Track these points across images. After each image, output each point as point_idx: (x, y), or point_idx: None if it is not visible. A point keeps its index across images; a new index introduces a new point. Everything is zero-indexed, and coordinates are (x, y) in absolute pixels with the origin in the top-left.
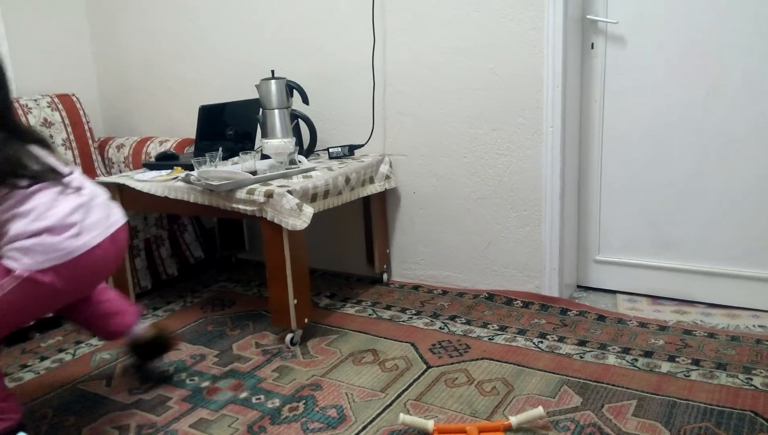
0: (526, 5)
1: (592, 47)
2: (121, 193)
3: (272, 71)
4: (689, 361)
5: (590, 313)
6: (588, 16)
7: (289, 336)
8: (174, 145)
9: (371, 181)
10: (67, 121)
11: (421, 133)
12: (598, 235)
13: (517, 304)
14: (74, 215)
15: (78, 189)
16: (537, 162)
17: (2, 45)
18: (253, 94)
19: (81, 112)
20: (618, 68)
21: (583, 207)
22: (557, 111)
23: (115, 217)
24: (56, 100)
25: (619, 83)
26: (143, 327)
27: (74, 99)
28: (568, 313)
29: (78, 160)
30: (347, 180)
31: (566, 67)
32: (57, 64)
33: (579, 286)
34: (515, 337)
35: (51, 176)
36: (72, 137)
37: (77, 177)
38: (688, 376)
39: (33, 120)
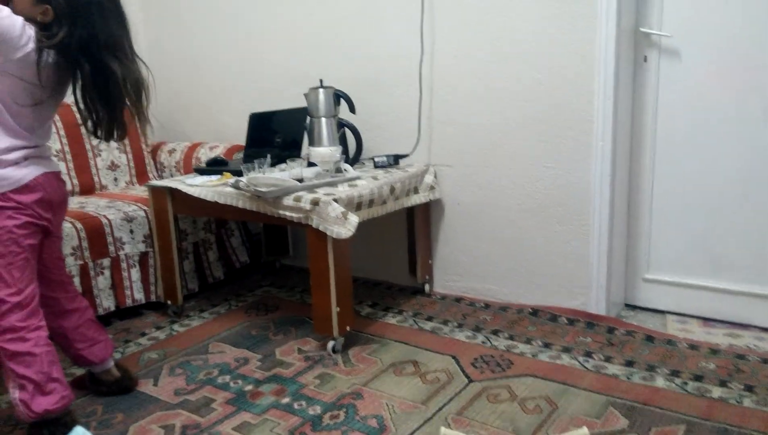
0: (578, 16)
1: (645, 60)
2: (172, 197)
3: (320, 80)
4: (742, 386)
5: (638, 333)
6: (641, 29)
7: (330, 344)
8: (223, 150)
9: (416, 191)
10: None
11: (467, 143)
12: (648, 252)
13: (562, 320)
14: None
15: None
16: (586, 175)
17: None
18: (302, 102)
19: (135, 118)
20: (671, 82)
21: (632, 223)
22: (608, 124)
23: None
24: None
25: (672, 97)
26: (111, 365)
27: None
28: (616, 332)
29: (132, 164)
30: (392, 189)
31: (618, 80)
32: None
33: (627, 305)
34: (560, 354)
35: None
36: (126, 141)
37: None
38: (741, 402)
39: None
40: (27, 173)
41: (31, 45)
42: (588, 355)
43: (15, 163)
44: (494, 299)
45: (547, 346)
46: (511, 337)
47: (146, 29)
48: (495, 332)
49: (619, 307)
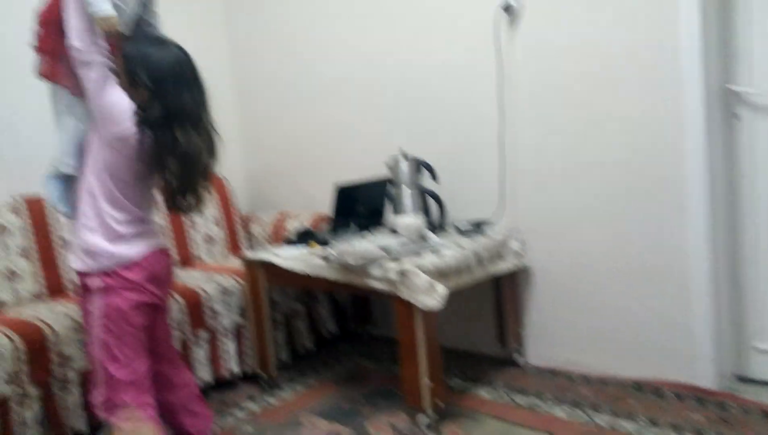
0: (663, 78)
1: (737, 118)
2: (265, 269)
3: (402, 150)
4: None
5: (755, 410)
6: (730, 87)
7: (423, 420)
8: (310, 220)
9: (501, 258)
10: (217, 201)
11: (553, 208)
12: (756, 319)
13: (668, 395)
14: None
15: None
16: (682, 238)
17: None
18: (385, 171)
19: (229, 192)
20: (766, 138)
21: (738, 287)
22: (702, 184)
23: None
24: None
25: None
26: None
27: (224, 180)
28: (729, 408)
29: (226, 236)
30: (478, 257)
31: (710, 139)
32: None
33: (738, 377)
34: (668, 433)
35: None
36: (221, 215)
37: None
38: None
39: None
40: (137, 251)
41: (132, 122)
42: (699, 433)
43: (124, 239)
44: (592, 371)
45: (653, 423)
46: (614, 414)
47: (241, 103)
48: (595, 408)
49: (729, 380)
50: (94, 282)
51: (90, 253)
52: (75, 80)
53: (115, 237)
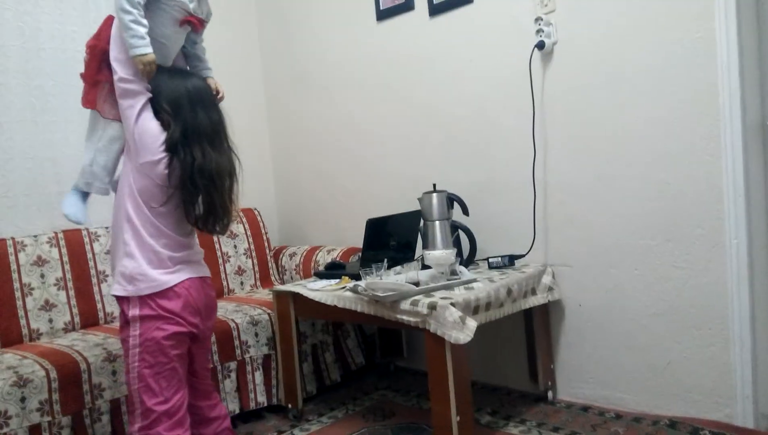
0: (700, 115)
1: None
2: (294, 301)
3: (434, 184)
4: None
5: None
6: None
7: None
8: (340, 254)
9: (533, 292)
10: (249, 233)
11: (586, 243)
12: None
13: (705, 434)
14: None
15: None
16: (720, 276)
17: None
18: (416, 205)
19: (261, 224)
20: None
21: None
22: (741, 222)
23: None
24: (241, 214)
25: None
26: None
27: (255, 212)
28: None
29: (257, 268)
30: (509, 291)
31: (748, 177)
32: (243, 183)
33: None
34: None
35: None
36: (252, 247)
37: None
38: None
39: None
40: (173, 278)
41: (162, 149)
42: None
43: (164, 265)
44: (626, 409)
45: None
46: None
47: (274, 136)
48: None
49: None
50: (133, 309)
51: (130, 277)
52: (114, 108)
53: (156, 263)
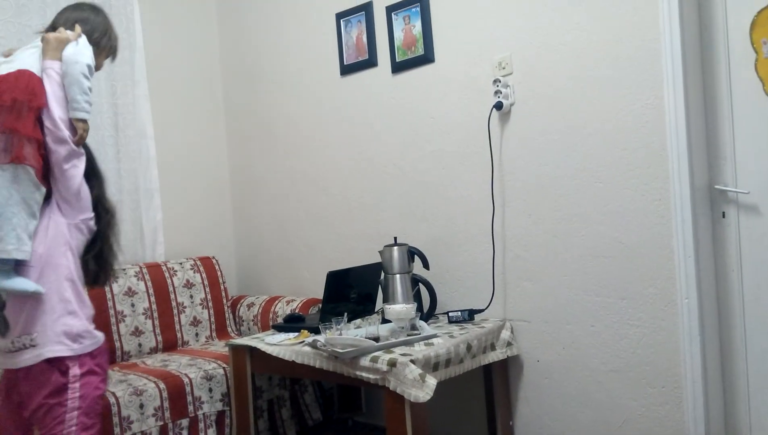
0: (650, 177)
1: (724, 216)
2: (251, 355)
3: (395, 238)
4: None
5: None
6: (716, 186)
7: None
8: (300, 305)
9: (492, 347)
10: (206, 282)
11: (544, 299)
12: (749, 415)
13: None
14: None
15: None
16: (673, 334)
17: (158, 214)
18: (377, 257)
19: (219, 274)
20: (753, 237)
21: (728, 383)
22: (691, 281)
23: None
24: (198, 262)
25: (757, 252)
26: None
27: (214, 261)
28: None
29: (213, 319)
30: (468, 347)
31: (697, 237)
32: (202, 230)
33: None
34: None
35: None
36: (209, 297)
37: None
38: None
39: (177, 281)
40: (100, 333)
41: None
42: None
43: (91, 320)
44: None
45: None
46: None
47: (234, 185)
48: None
49: None
50: (73, 369)
51: (75, 336)
52: (42, 166)
53: (91, 319)
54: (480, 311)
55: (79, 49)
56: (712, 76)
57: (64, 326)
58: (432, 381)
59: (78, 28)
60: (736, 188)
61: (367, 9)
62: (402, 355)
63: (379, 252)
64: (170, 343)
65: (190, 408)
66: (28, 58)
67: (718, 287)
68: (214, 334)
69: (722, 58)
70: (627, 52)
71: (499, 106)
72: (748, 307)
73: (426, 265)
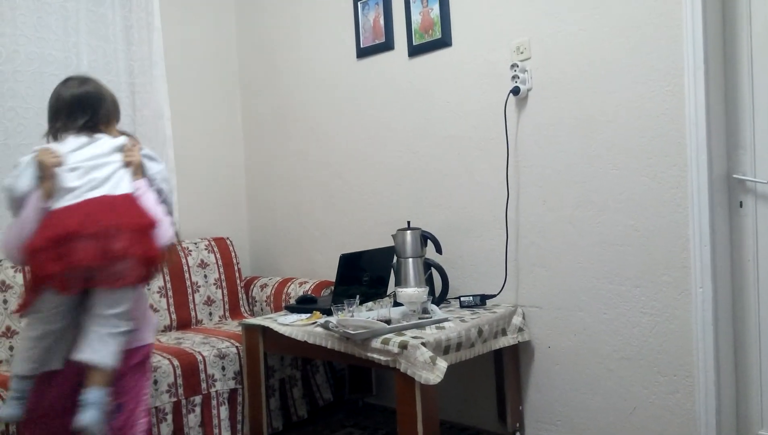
0: (668, 164)
1: (741, 205)
2: (263, 335)
3: (408, 222)
4: None
5: None
6: (734, 175)
7: None
8: (312, 287)
9: (503, 332)
10: (220, 263)
11: (556, 285)
12: (761, 406)
13: None
14: None
15: None
16: (686, 323)
17: (174, 195)
18: (390, 241)
19: (233, 254)
20: None
21: (741, 374)
22: (707, 271)
23: None
24: (213, 243)
25: None
26: None
27: (228, 242)
28: None
29: (226, 299)
30: (479, 331)
31: (714, 226)
32: (216, 211)
33: None
34: None
35: None
36: (223, 277)
37: None
38: None
39: (192, 261)
40: None
41: None
42: None
43: None
44: None
45: None
46: None
47: (250, 167)
48: None
49: None
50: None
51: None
52: None
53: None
54: (492, 296)
55: (161, 167)
56: (733, 64)
57: (154, 318)
58: (442, 364)
59: (133, 140)
60: (755, 178)
61: None
62: (413, 337)
63: (392, 236)
64: (184, 322)
65: (203, 385)
66: (124, 182)
67: (734, 277)
68: (227, 314)
69: (744, 45)
70: (647, 39)
71: (516, 91)
72: (763, 298)
73: (439, 250)
